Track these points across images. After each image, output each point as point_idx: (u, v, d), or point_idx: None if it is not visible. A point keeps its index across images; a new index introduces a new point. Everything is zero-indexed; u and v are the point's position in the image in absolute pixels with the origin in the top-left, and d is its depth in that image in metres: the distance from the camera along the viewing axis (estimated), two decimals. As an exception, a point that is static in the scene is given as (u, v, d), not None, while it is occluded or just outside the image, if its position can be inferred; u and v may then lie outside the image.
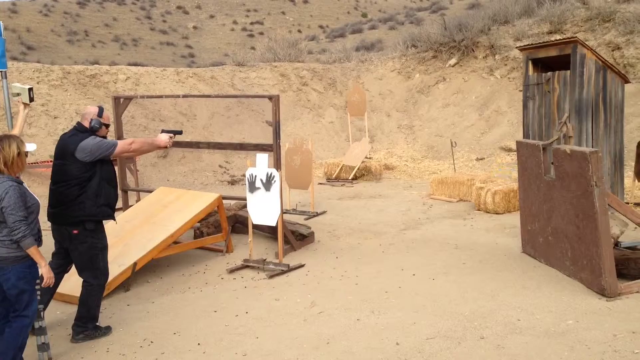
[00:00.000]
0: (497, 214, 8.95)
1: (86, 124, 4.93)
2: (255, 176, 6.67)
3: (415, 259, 6.89)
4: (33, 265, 4.13)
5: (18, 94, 5.01)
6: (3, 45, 4.02)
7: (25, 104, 4.99)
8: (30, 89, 4.96)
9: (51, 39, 57.81)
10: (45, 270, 4.14)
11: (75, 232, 4.87)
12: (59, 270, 5.13)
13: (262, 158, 6.63)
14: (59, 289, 5.77)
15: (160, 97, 8.88)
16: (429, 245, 7.46)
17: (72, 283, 5.84)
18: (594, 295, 5.30)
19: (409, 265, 6.64)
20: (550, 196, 6.09)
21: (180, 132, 5.44)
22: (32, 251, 4.04)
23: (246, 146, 7.48)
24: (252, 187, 6.70)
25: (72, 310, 5.54)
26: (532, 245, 6.64)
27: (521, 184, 6.80)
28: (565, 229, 5.87)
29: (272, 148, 6.92)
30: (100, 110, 5.00)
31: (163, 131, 5.33)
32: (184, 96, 8.09)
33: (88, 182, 4.86)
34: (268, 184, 6.59)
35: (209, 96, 7.56)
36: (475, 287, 5.77)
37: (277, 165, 6.86)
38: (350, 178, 12.21)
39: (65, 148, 4.84)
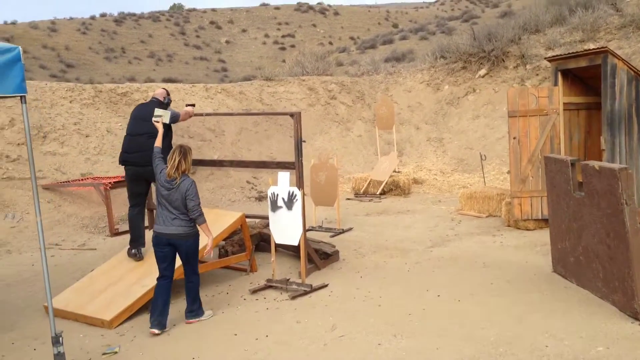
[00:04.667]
0: (527, 230, 8.72)
1: (160, 98, 6.85)
2: (277, 195, 6.62)
3: (441, 278, 6.73)
4: (198, 240, 5.70)
5: (160, 116, 6.34)
6: (22, 70, 4.09)
7: (164, 124, 6.31)
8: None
9: (89, 57, 59.13)
10: (210, 242, 5.68)
11: None
12: None
13: (284, 176, 6.58)
14: (83, 311, 5.83)
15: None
16: (456, 263, 7.29)
17: (96, 305, 5.88)
18: (626, 319, 5.08)
19: (434, 285, 6.49)
20: (580, 214, 5.89)
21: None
22: (204, 226, 5.61)
23: (269, 164, 7.45)
24: (274, 206, 6.65)
25: (96, 332, 5.58)
26: (563, 265, 6.42)
27: (550, 201, 6.59)
28: (596, 249, 5.66)
29: (295, 166, 6.86)
30: (167, 93, 7.05)
31: None
32: (207, 114, 8.15)
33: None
34: (290, 202, 6.54)
35: (231, 114, 7.58)
36: (501, 310, 5.60)
37: (300, 183, 6.80)
38: (378, 193, 12.09)
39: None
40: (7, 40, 54.21)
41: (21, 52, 4.11)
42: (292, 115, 6.83)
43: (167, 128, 6.56)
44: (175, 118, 6.67)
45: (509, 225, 9.00)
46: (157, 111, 6.45)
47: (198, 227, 5.63)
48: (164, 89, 7.16)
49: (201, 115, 7.93)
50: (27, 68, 48.82)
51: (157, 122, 6.39)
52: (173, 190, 5.50)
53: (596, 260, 5.68)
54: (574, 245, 6.11)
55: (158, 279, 5.67)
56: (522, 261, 7.21)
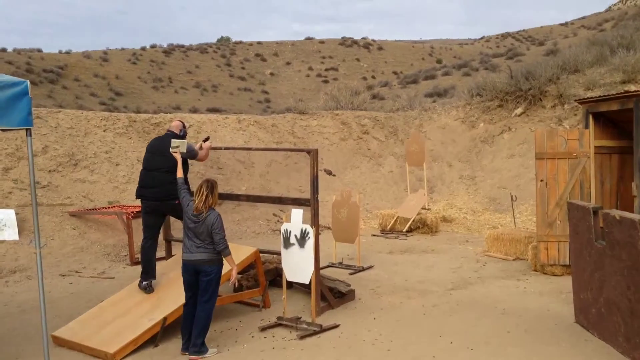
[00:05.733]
0: (554, 275, 8.39)
1: (176, 131, 6.82)
2: (290, 232, 6.54)
3: (457, 324, 6.49)
4: (221, 268, 5.84)
5: (177, 147, 6.46)
6: (30, 103, 4.16)
7: (181, 153, 6.44)
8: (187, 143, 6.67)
9: (138, 85, 60.85)
10: (235, 272, 5.85)
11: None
12: None
13: (297, 213, 6.51)
14: (88, 343, 5.82)
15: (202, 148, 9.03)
16: (475, 308, 7.03)
17: (102, 337, 5.86)
18: (646, 379, 4.77)
19: (448, 331, 6.26)
20: (601, 264, 5.62)
21: None
22: (229, 258, 5.79)
23: (284, 200, 7.40)
24: (287, 243, 6.58)
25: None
26: (585, 316, 6.12)
27: (572, 248, 6.34)
28: (617, 301, 5.37)
29: (310, 203, 6.78)
30: (184, 126, 7.04)
31: None
32: (226, 148, 8.19)
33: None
34: (302, 240, 6.45)
35: (249, 149, 7.58)
36: (515, 361, 5.35)
37: (315, 221, 6.71)
38: (404, 230, 11.89)
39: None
40: (61, 68, 56.49)
41: (29, 86, 4.20)
42: (308, 152, 6.78)
43: (184, 161, 6.59)
44: (192, 153, 6.70)
45: (535, 270, 8.69)
46: (174, 142, 6.55)
47: (224, 258, 5.78)
48: (180, 121, 7.19)
49: (219, 148, 7.96)
50: (79, 95, 50.74)
51: (175, 152, 6.48)
52: (199, 223, 5.66)
53: (617, 313, 5.39)
54: (595, 296, 5.82)
55: (184, 305, 5.88)
56: (544, 309, 6.90)
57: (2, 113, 4.08)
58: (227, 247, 5.73)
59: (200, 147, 7.05)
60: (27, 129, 4.29)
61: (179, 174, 6.34)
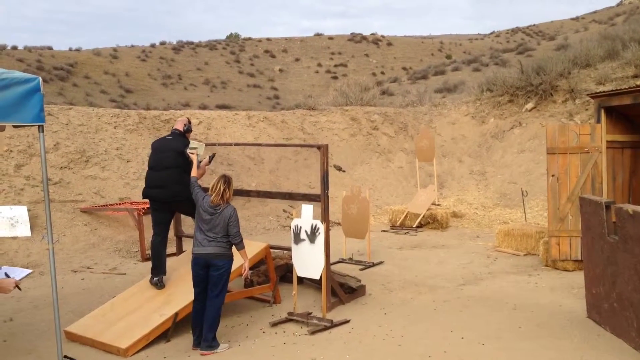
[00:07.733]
0: (566, 271, 8.35)
1: (180, 127, 6.89)
2: (300, 227, 6.55)
3: (468, 319, 6.48)
4: (231, 264, 5.87)
5: (195, 148, 6.60)
6: (41, 100, 4.19)
7: (198, 155, 6.57)
8: (205, 144, 6.91)
9: (147, 83, 61.02)
10: (247, 265, 6.01)
11: None
12: None
13: (307, 209, 6.52)
14: (100, 338, 5.86)
15: (214, 144, 8.99)
16: (486, 304, 7.01)
17: (113, 333, 5.90)
18: (659, 374, 4.74)
19: (460, 326, 6.24)
20: (614, 259, 5.58)
21: None
22: (243, 252, 5.92)
23: (295, 196, 7.42)
24: (297, 239, 6.59)
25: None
26: (597, 311, 6.08)
27: (584, 243, 6.30)
28: (630, 297, 5.34)
29: (320, 199, 6.78)
30: (189, 121, 7.05)
31: None
32: (236, 144, 8.19)
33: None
34: (312, 235, 6.46)
35: (259, 145, 7.58)
36: (527, 356, 5.33)
37: (325, 216, 6.71)
38: (414, 226, 11.87)
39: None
40: (72, 65, 56.75)
41: (41, 83, 4.22)
42: (319, 147, 6.78)
43: (187, 163, 6.63)
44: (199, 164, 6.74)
45: (546, 265, 8.65)
46: (193, 143, 6.69)
47: (238, 252, 5.90)
48: (186, 117, 7.23)
49: (229, 144, 7.98)
50: (89, 92, 50.96)
51: (192, 153, 6.59)
52: (216, 216, 5.79)
53: (630, 308, 5.35)
54: (608, 291, 5.78)
55: (194, 301, 5.95)
56: (556, 304, 6.87)
57: (15, 109, 4.11)
58: (242, 240, 5.88)
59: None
60: (39, 126, 4.32)
61: (194, 173, 6.41)
